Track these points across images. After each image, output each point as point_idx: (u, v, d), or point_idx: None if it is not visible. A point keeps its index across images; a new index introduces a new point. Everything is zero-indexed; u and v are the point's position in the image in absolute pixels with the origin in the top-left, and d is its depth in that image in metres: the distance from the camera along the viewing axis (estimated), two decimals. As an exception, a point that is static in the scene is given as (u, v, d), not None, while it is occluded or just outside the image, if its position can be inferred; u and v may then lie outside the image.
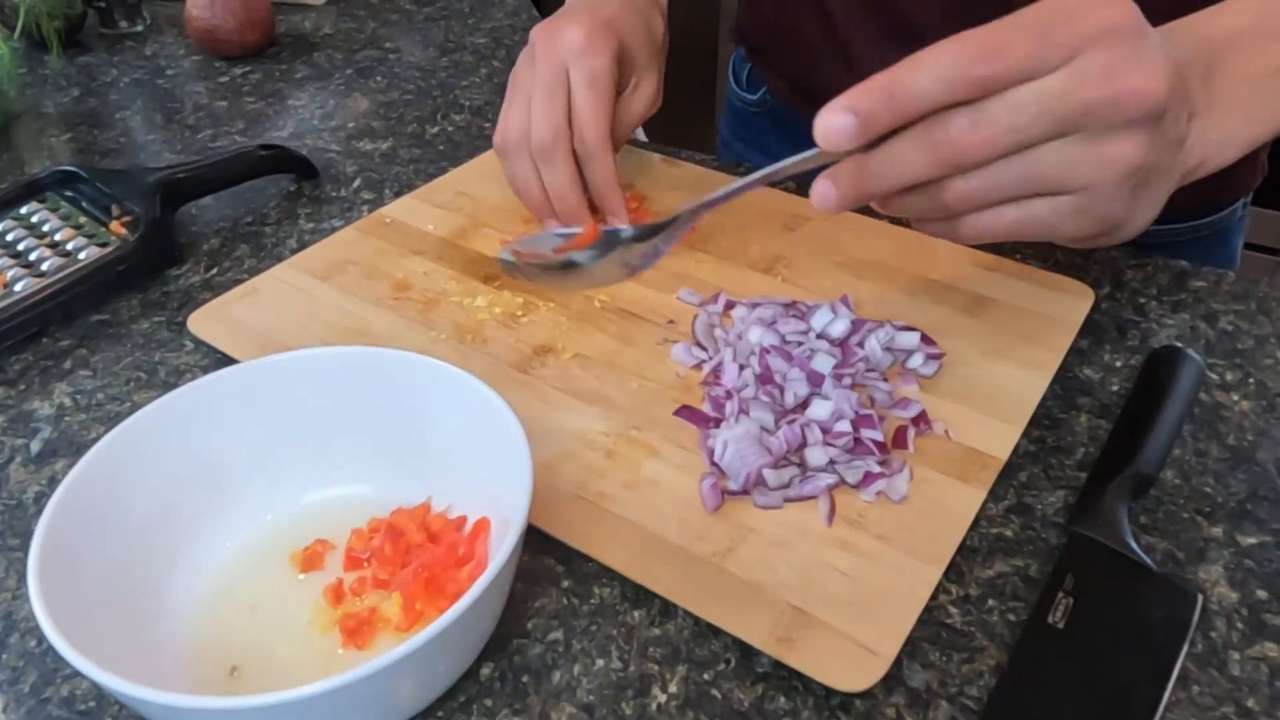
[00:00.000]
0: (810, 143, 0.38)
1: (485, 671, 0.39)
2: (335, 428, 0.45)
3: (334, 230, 0.65)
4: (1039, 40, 0.35)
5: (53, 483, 0.38)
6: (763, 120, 0.86)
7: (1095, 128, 0.35)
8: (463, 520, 0.43)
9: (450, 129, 0.80)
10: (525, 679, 0.39)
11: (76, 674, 0.40)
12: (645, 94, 0.61)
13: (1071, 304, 0.57)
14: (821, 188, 0.39)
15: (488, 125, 0.81)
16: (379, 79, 0.89)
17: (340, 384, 0.44)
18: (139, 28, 0.99)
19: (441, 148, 0.77)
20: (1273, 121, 0.43)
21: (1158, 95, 0.35)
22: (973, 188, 0.37)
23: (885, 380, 0.51)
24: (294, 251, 0.63)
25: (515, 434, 0.39)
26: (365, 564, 0.42)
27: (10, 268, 0.58)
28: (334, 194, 0.71)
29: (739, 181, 0.44)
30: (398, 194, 0.70)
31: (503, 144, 0.58)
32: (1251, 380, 0.53)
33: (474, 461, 0.42)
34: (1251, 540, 0.44)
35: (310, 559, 0.42)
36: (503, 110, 0.59)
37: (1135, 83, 0.35)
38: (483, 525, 0.42)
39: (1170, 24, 0.41)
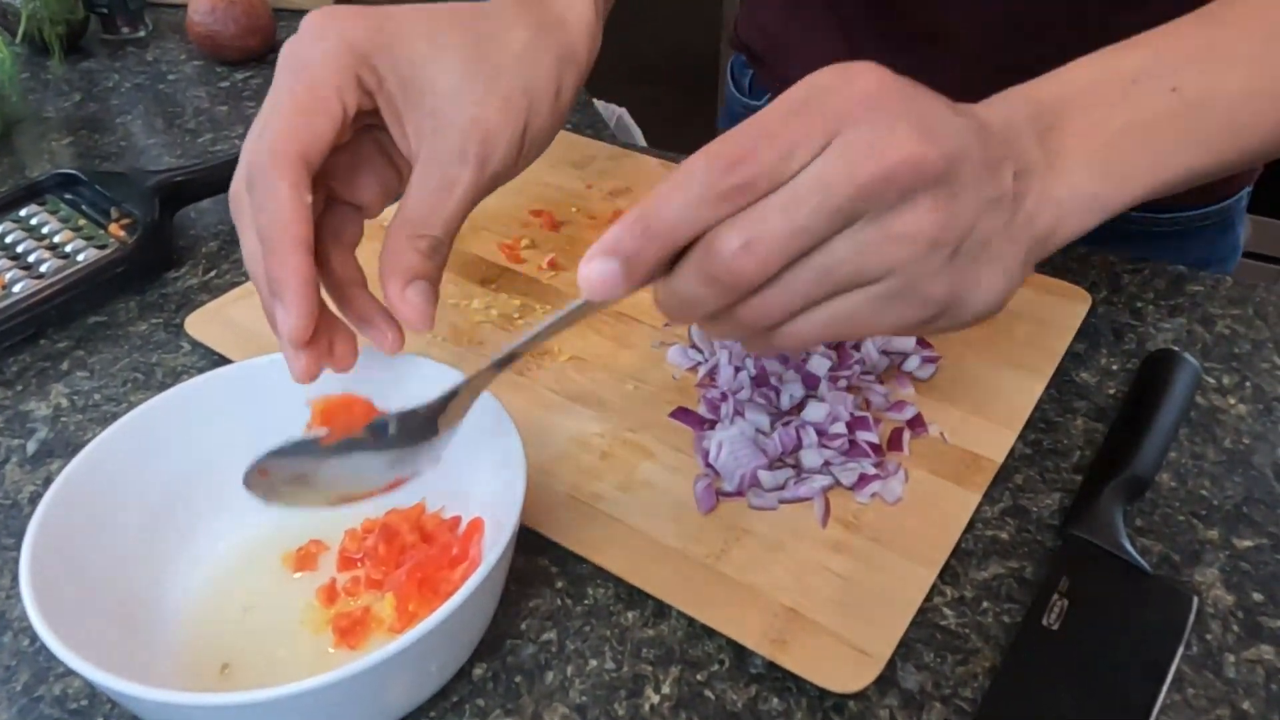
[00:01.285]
0: None
1: (478, 672, 0.39)
2: (330, 428, 0.45)
3: (332, 233, 0.65)
4: (790, 132, 0.30)
5: (48, 483, 0.38)
6: None
7: (877, 208, 0.31)
8: (456, 521, 0.43)
9: (449, 134, 0.80)
10: (518, 679, 0.39)
11: (69, 672, 0.40)
12: (454, 128, 0.39)
13: (1068, 308, 0.57)
14: (593, 272, 0.32)
15: (487, 130, 0.81)
16: (379, 84, 0.90)
17: (334, 384, 0.44)
18: (141, 33, 0.99)
19: (440, 152, 0.77)
20: (1135, 182, 0.38)
21: (929, 158, 0.30)
22: (767, 305, 0.32)
23: (881, 383, 0.51)
24: (292, 254, 0.63)
25: (510, 435, 0.40)
26: (359, 564, 0.42)
27: (9, 269, 0.58)
28: (333, 198, 0.72)
29: (508, 347, 0.37)
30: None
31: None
32: (1248, 384, 0.53)
33: (468, 462, 0.42)
34: (1247, 543, 0.44)
35: (303, 559, 0.42)
36: None
37: (903, 151, 0.30)
38: (476, 526, 0.42)
39: (1002, 92, 0.37)
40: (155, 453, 0.41)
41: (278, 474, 0.37)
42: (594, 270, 0.31)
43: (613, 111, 1.89)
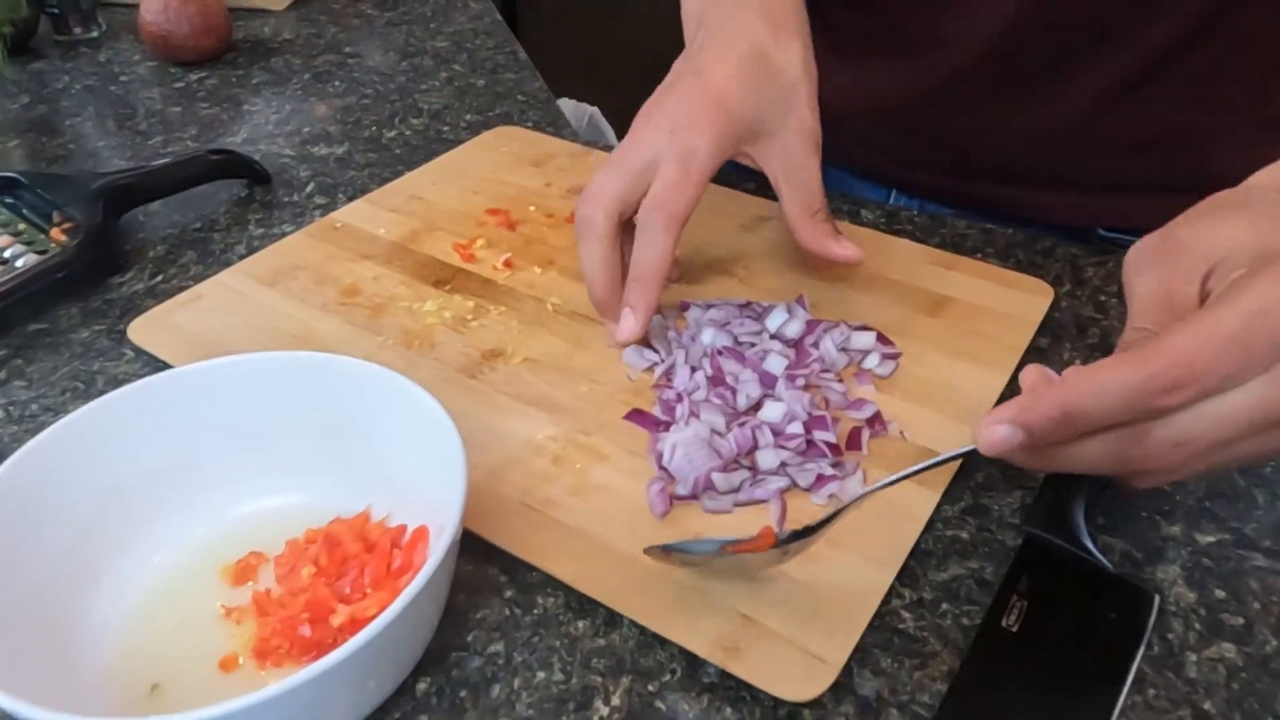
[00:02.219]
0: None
1: (421, 686, 0.38)
2: (270, 436, 0.43)
3: (284, 235, 0.64)
4: (1238, 359, 0.32)
5: (-24, 497, 0.36)
6: None
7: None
8: (402, 529, 0.41)
9: (408, 133, 0.79)
10: (463, 693, 0.38)
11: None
12: (794, 144, 0.53)
13: (1031, 302, 0.56)
14: (996, 435, 0.35)
15: (445, 129, 0.79)
16: (337, 84, 0.88)
17: (274, 390, 0.43)
18: (94, 34, 0.97)
19: (398, 151, 0.76)
20: None
21: None
22: (1170, 474, 0.36)
23: (840, 381, 0.50)
24: (242, 258, 0.62)
25: (450, 438, 0.38)
26: (298, 575, 0.40)
27: (-56, 276, 0.56)
28: (286, 199, 0.70)
29: (913, 469, 0.40)
30: (351, 198, 0.68)
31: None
32: (1211, 377, 0.52)
33: (413, 468, 0.41)
34: (1210, 539, 0.43)
35: (242, 572, 0.41)
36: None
37: None
38: (421, 534, 0.40)
39: None
40: (84, 466, 0.40)
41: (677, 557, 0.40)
42: (997, 434, 0.34)
43: (585, 111, 1.87)
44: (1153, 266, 0.37)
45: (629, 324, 0.50)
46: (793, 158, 0.53)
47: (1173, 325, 0.33)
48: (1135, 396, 0.32)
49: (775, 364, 0.49)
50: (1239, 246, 0.36)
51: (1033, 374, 0.37)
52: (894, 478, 0.39)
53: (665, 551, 0.39)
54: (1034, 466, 0.37)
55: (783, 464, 0.45)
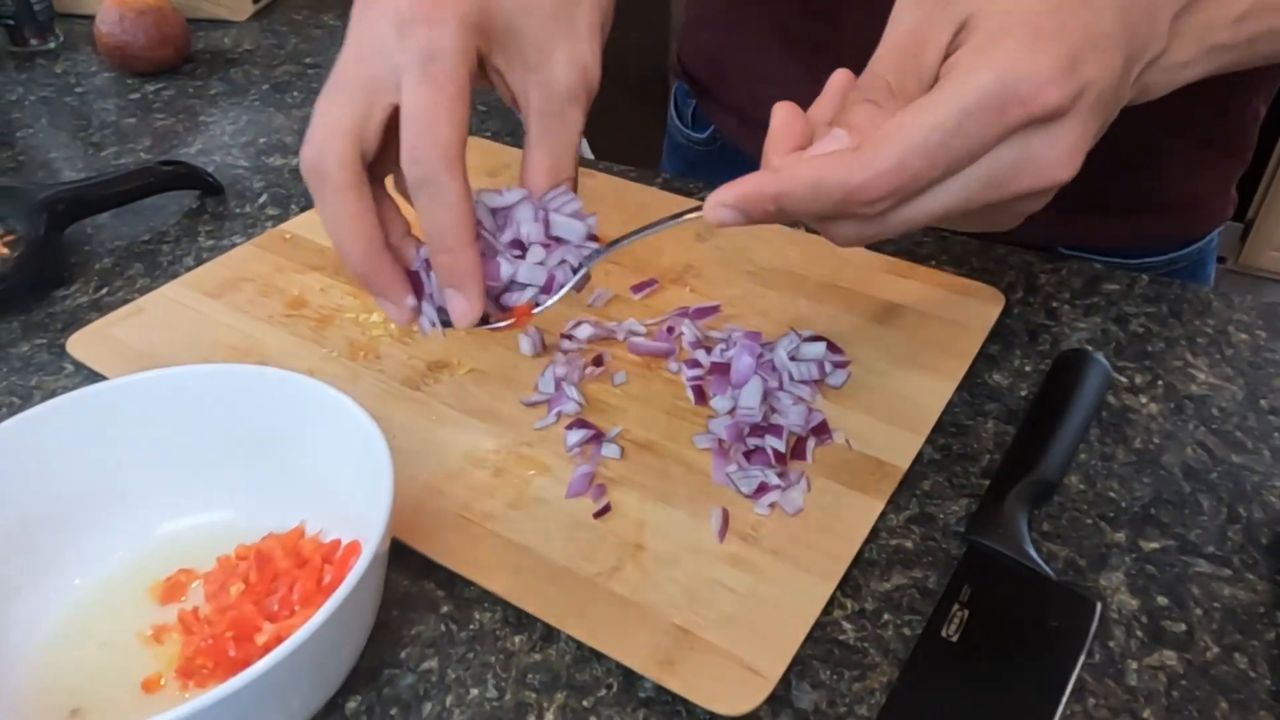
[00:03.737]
0: None
1: (351, 705, 0.37)
2: (202, 450, 0.42)
3: (234, 247, 0.63)
4: (942, 166, 0.34)
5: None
6: (711, 158, 0.82)
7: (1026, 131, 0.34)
8: (335, 544, 0.41)
9: (365, 143, 0.78)
10: (394, 711, 0.37)
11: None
12: (559, 74, 0.41)
13: (981, 309, 0.56)
14: (722, 215, 0.37)
15: (403, 139, 0.79)
16: (296, 94, 0.87)
17: (206, 404, 0.42)
18: (50, 45, 0.96)
19: (354, 162, 0.75)
20: (1220, 62, 0.40)
21: (1057, 98, 0.33)
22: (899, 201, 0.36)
23: (781, 387, 0.49)
24: (190, 269, 0.61)
25: (379, 450, 0.37)
26: (227, 593, 0.39)
27: (-120, 290, 0.55)
28: (238, 210, 0.69)
29: (632, 235, 0.42)
30: (304, 209, 0.68)
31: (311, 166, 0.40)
32: (1160, 383, 0.52)
33: (345, 482, 0.40)
34: (1154, 545, 0.43)
35: (171, 590, 0.40)
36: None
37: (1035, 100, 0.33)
38: (354, 549, 0.40)
39: None
40: (8, 480, 0.39)
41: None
42: (723, 213, 0.36)
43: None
44: (917, 4, 0.37)
45: (461, 307, 0.40)
46: (554, 98, 0.41)
47: (890, 122, 0.34)
48: (842, 201, 0.34)
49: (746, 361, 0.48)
50: (999, 4, 0.35)
51: (781, 111, 0.38)
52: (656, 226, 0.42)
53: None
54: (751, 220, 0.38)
55: (726, 474, 0.44)
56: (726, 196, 0.36)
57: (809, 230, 0.61)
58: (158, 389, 0.41)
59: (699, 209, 0.38)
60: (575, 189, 0.43)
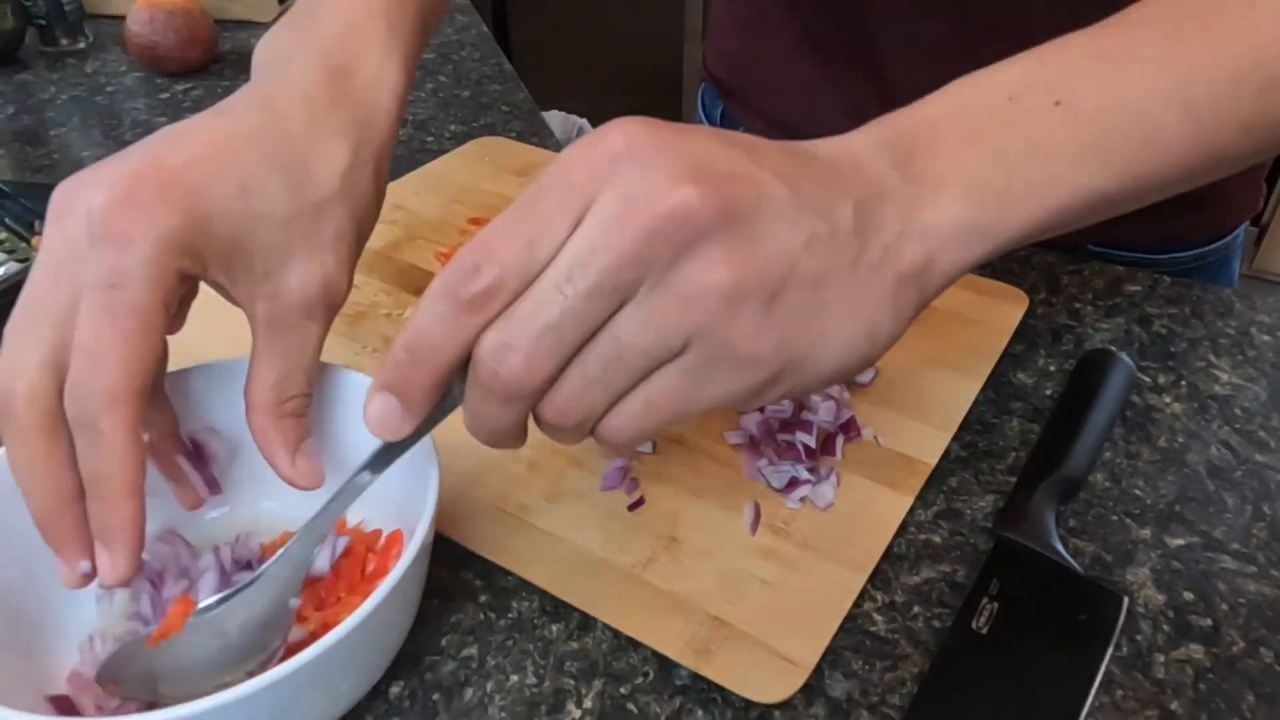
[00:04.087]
0: None
1: (394, 690, 0.38)
2: (245, 440, 0.43)
3: (266, 244, 0.64)
4: (530, 219, 0.28)
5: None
6: None
7: (651, 272, 0.28)
8: (377, 534, 0.42)
9: (392, 143, 0.79)
10: (436, 697, 0.38)
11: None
12: (294, 287, 0.36)
13: (1006, 309, 0.56)
14: (374, 410, 0.32)
15: (430, 139, 0.80)
16: (323, 94, 0.88)
17: (224, 400, 0.43)
18: (81, 45, 0.98)
19: (382, 161, 0.76)
20: (1027, 204, 0.33)
21: (695, 204, 0.27)
22: (563, 405, 0.30)
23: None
24: (224, 266, 0.62)
25: (426, 444, 0.38)
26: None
27: (-76, 284, 0.56)
28: (269, 208, 0.70)
29: (327, 509, 0.36)
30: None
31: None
32: (1183, 383, 0.53)
33: (387, 473, 0.41)
34: (1179, 541, 0.44)
35: (214, 576, 0.41)
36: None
37: (662, 204, 0.27)
38: (396, 538, 0.41)
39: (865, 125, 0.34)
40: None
41: (123, 681, 0.35)
42: (374, 410, 0.31)
43: (574, 123, 1.89)
44: None
45: (106, 564, 0.33)
46: (286, 309, 0.36)
47: None
48: (446, 296, 0.29)
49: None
50: None
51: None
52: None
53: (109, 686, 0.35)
54: (490, 439, 0.33)
55: (757, 468, 0.45)
56: (371, 388, 0.31)
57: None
58: (206, 379, 0.42)
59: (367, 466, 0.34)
60: (307, 406, 0.38)
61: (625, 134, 0.29)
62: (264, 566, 0.36)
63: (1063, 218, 0.34)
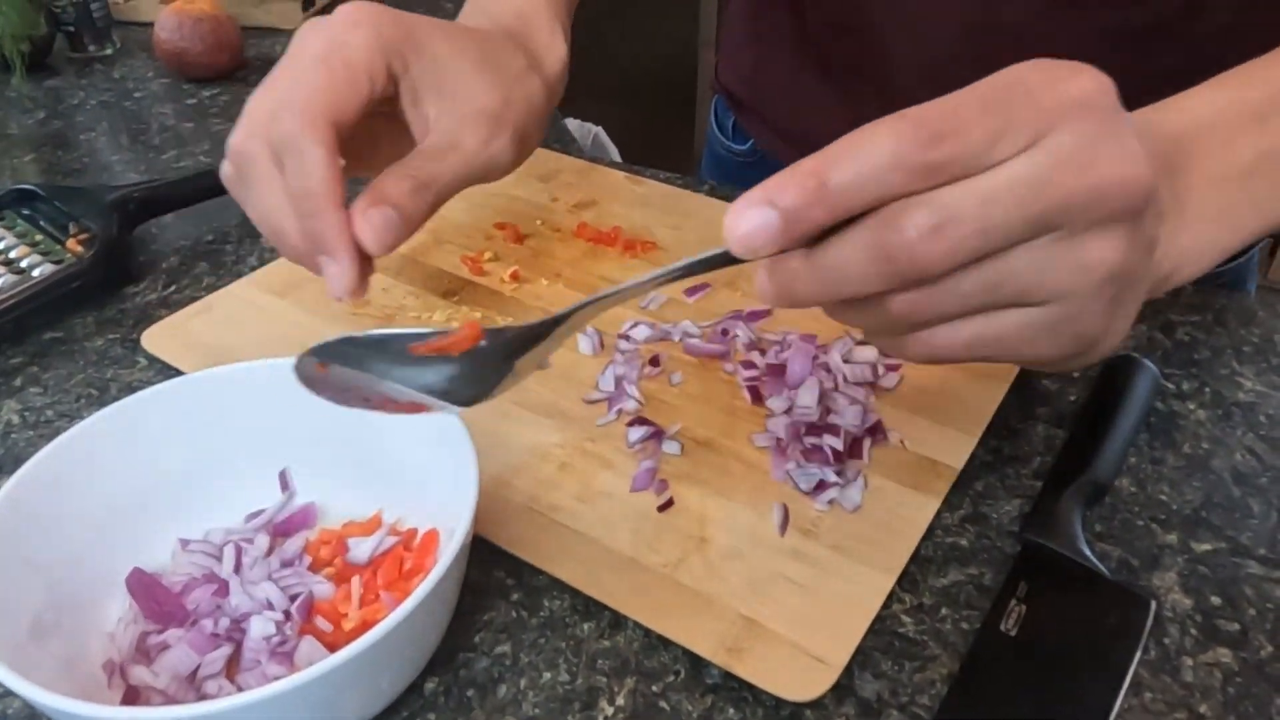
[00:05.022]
0: None
1: (430, 686, 0.39)
2: (282, 440, 0.44)
3: (295, 248, 0.65)
4: (999, 117, 0.28)
5: (-6, 500, 0.37)
6: (754, 171, 0.82)
7: (1073, 225, 0.29)
8: (413, 533, 0.42)
9: (417, 149, 0.80)
10: (470, 693, 0.38)
11: (6, 694, 0.39)
12: (465, 101, 0.43)
13: (1029, 315, 0.57)
14: (759, 282, 0.32)
15: (454, 145, 0.81)
16: (347, 100, 0.89)
17: (286, 396, 0.43)
18: (108, 50, 0.99)
19: (407, 167, 0.77)
20: (1250, 225, 0.36)
21: (1144, 184, 0.29)
22: (926, 301, 0.30)
23: (838, 389, 0.50)
24: (254, 269, 0.63)
25: (463, 444, 0.39)
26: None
27: (-38, 285, 0.57)
28: (297, 212, 0.71)
29: (639, 278, 0.34)
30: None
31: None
32: (1207, 389, 0.53)
33: (424, 473, 0.41)
34: (1206, 547, 0.44)
35: (256, 573, 0.42)
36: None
37: (1117, 170, 0.28)
38: (432, 537, 0.41)
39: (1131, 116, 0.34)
40: (101, 468, 0.41)
41: (335, 370, 0.36)
42: (747, 220, 0.28)
43: (589, 131, 1.89)
44: None
45: (334, 272, 0.38)
46: (453, 114, 0.43)
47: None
48: (895, 152, 0.28)
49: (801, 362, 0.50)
50: None
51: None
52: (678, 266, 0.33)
53: (320, 364, 0.36)
54: (794, 301, 0.31)
55: (785, 470, 0.46)
56: (753, 196, 0.29)
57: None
58: (245, 380, 0.43)
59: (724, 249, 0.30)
60: (424, 204, 0.40)
61: (1094, 83, 0.29)
62: (553, 318, 0.35)
63: (1271, 232, 0.37)
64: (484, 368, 0.36)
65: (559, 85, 0.50)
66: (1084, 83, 0.29)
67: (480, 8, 0.51)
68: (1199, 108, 0.37)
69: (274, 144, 0.39)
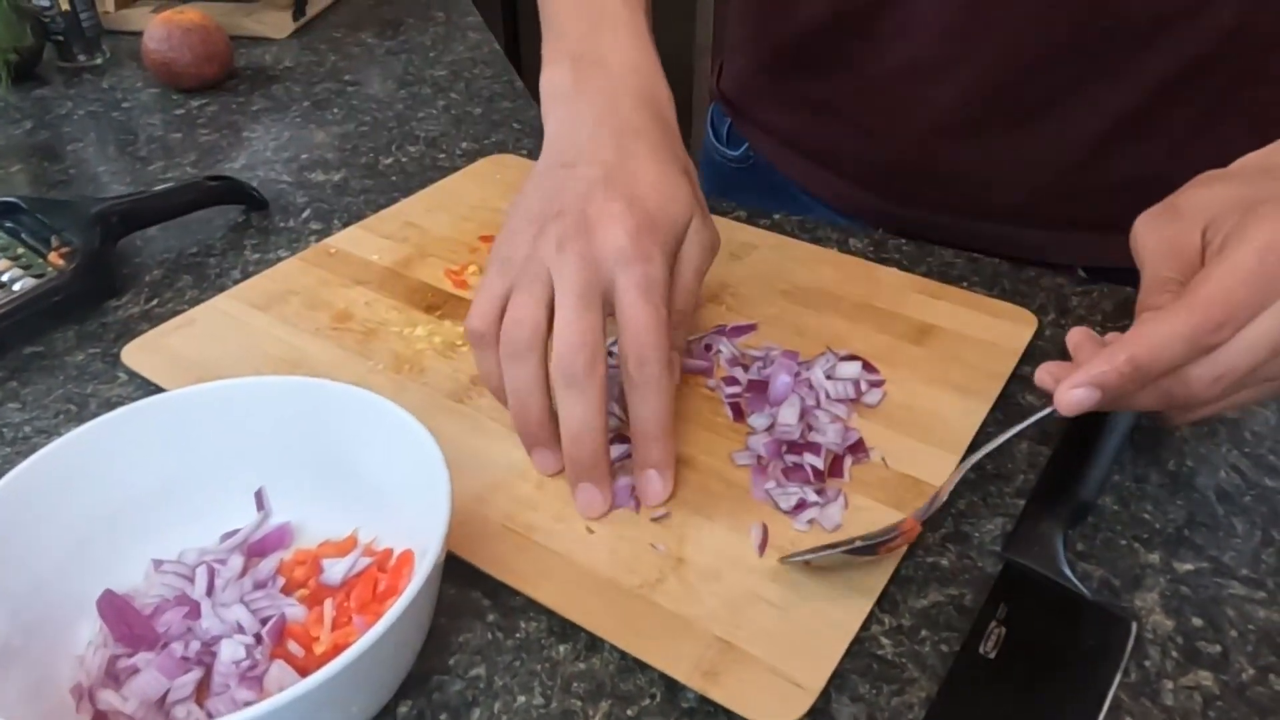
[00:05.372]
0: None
1: (403, 710, 0.38)
2: (259, 459, 0.44)
3: (280, 261, 0.65)
4: (1265, 294, 0.37)
5: (-34, 518, 0.37)
6: (746, 177, 0.83)
7: None
8: (388, 553, 0.42)
9: (404, 160, 0.80)
10: (443, 716, 0.38)
11: (-22, 717, 0.39)
12: (698, 244, 0.48)
13: (1015, 331, 0.56)
14: (1075, 398, 0.40)
15: (441, 156, 0.81)
16: (336, 111, 0.89)
17: (264, 414, 0.43)
18: (97, 61, 0.99)
19: (394, 178, 0.77)
20: None
21: None
22: (1209, 406, 0.41)
23: (820, 406, 0.50)
24: (238, 283, 0.63)
25: (435, 461, 0.39)
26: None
27: (-58, 299, 0.57)
28: (282, 225, 0.71)
29: (1006, 434, 0.44)
30: (347, 224, 0.69)
31: (494, 339, 0.45)
32: (1192, 406, 0.52)
33: (399, 492, 0.41)
34: (1188, 567, 0.44)
35: (228, 594, 0.41)
36: (485, 286, 0.46)
37: None
38: (406, 558, 0.41)
39: None
40: (74, 489, 0.40)
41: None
42: (1076, 396, 0.39)
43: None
44: (1157, 226, 0.43)
45: (592, 498, 0.45)
46: (694, 262, 0.48)
47: (1197, 276, 0.38)
48: (1191, 341, 0.37)
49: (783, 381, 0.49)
50: (1228, 204, 0.41)
51: (1077, 334, 0.43)
52: (1014, 430, 0.44)
53: (804, 561, 0.41)
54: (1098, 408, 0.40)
55: (765, 490, 0.45)
56: (1080, 379, 0.39)
57: (843, 250, 0.62)
58: (223, 398, 0.43)
59: (1052, 409, 0.41)
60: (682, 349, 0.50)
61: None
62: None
63: None
64: None
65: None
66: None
67: (595, 60, 0.52)
68: None
69: (628, 372, 0.44)
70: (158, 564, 0.42)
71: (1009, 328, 0.57)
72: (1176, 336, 0.37)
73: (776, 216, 0.69)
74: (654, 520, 0.45)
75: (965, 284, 0.62)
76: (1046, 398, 0.53)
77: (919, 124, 0.67)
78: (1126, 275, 0.49)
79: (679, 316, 0.48)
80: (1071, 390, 0.39)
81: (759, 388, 0.51)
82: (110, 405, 0.54)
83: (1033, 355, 0.56)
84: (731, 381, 0.52)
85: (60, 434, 0.52)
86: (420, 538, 0.40)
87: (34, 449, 0.51)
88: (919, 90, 0.65)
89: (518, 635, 0.41)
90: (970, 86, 0.63)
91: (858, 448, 0.48)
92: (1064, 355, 0.56)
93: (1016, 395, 0.53)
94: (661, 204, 0.46)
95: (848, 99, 0.70)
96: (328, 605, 0.39)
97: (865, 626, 0.41)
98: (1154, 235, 0.43)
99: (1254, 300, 0.37)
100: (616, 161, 0.47)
